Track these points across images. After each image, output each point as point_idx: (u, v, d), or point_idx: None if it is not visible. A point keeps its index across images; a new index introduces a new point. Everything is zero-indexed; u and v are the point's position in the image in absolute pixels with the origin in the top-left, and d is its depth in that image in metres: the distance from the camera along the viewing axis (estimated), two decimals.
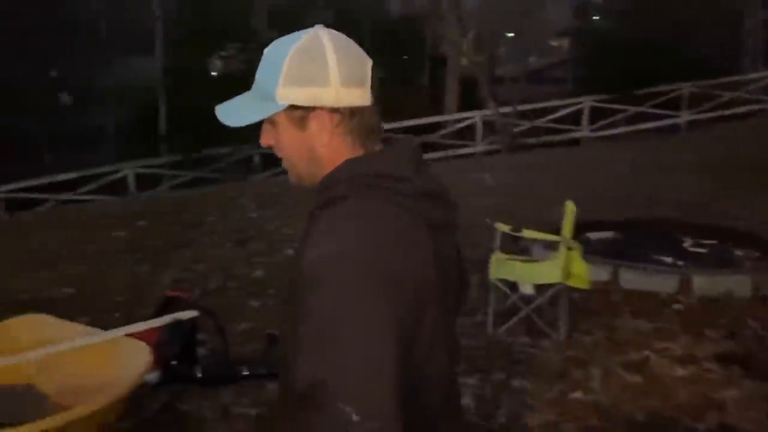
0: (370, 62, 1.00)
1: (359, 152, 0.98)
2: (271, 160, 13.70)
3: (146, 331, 2.70)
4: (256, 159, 13.97)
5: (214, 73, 17.94)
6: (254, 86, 1.02)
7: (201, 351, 3.33)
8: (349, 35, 1.00)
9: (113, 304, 4.48)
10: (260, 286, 4.79)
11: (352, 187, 0.95)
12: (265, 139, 1.02)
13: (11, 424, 2.01)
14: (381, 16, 21.55)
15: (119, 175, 12.74)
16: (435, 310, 0.93)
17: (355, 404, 0.79)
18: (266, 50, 1.01)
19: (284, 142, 1.00)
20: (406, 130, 12.02)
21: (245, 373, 3.25)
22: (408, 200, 0.95)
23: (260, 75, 1.01)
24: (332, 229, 0.92)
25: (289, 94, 0.96)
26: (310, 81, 0.95)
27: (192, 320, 3.11)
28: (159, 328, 2.91)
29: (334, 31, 0.99)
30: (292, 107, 0.96)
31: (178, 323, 3.01)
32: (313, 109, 0.96)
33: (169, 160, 13.81)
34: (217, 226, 6.88)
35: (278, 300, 4.36)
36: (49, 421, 1.96)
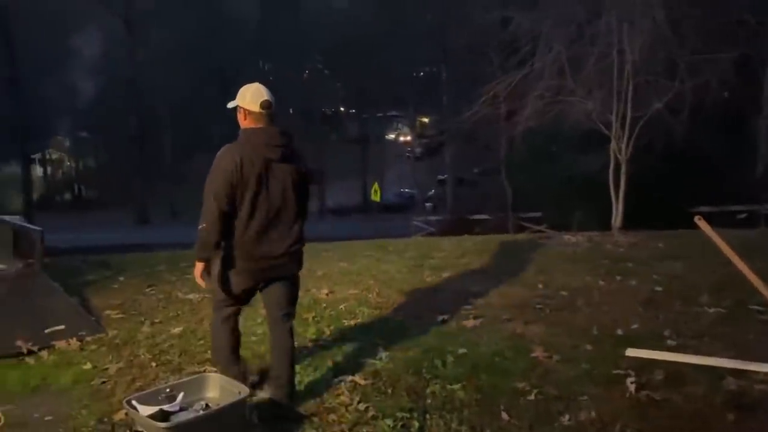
0: (263, 99, 3.23)
1: (252, 126, 3.26)
2: None
3: None
4: None
5: None
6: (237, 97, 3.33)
7: None
8: None
9: None
10: None
11: (241, 136, 3.26)
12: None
13: None
14: None
15: None
16: (253, 186, 3.18)
17: (211, 198, 3.16)
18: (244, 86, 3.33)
19: (239, 117, 3.31)
20: None
21: None
22: (257, 145, 3.20)
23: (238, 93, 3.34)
24: (226, 146, 3.25)
25: (238, 101, 3.30)
26: (242, 99, 3.29)
27: None
28: None
29: (260, 86, 3.30)
30: (239, 106, 3.30)
31: None
32: (241, 108, 3.30)
33: None
34: None
35: None
36: None
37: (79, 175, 50.58)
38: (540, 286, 6.10)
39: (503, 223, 19.72)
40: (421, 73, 41.54)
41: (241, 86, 3.30)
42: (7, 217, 7.03)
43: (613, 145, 9.61)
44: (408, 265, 7.34)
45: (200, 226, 3.19)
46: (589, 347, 4.37)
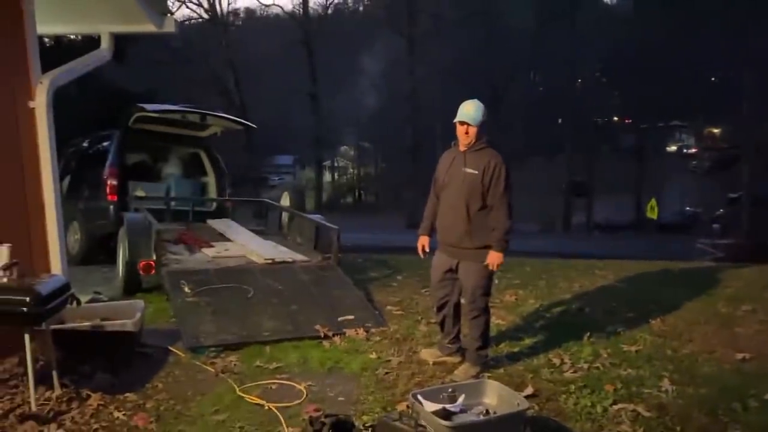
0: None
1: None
2: None
3: None
4: None
5: None
6: (473, 118, 4.04)
7: None
8: None
9: None
10: None
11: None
12: (471, 130, 4.05)
13: None
14: None
15: None
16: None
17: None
18: (478, 104, 4.08)
19: (473, 133, 4.05)
20: None
21: None
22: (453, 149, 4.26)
23: (476, 113, 4.05)
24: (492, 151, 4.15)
25: (479, 121, 4.05)
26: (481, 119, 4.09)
27: None
28: None
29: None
30: (483, 122, 4.07)
31: None
32: (482, 124, 4.09)
33: None
34: None
35: None
36: None
37: (360, 181, 55.89)
38: None
39: None
40: (713, 79, 37.30)
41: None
42: (310, 216, 8.04)
43: None
44: (697, 293, 6.58)
45: (511, 221, 4.02)
46: None
